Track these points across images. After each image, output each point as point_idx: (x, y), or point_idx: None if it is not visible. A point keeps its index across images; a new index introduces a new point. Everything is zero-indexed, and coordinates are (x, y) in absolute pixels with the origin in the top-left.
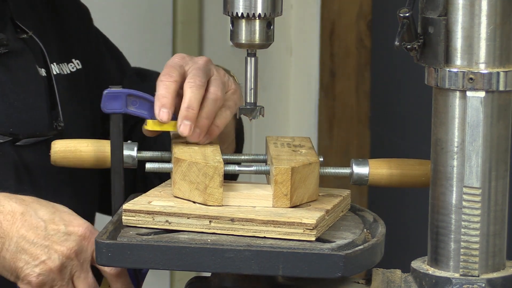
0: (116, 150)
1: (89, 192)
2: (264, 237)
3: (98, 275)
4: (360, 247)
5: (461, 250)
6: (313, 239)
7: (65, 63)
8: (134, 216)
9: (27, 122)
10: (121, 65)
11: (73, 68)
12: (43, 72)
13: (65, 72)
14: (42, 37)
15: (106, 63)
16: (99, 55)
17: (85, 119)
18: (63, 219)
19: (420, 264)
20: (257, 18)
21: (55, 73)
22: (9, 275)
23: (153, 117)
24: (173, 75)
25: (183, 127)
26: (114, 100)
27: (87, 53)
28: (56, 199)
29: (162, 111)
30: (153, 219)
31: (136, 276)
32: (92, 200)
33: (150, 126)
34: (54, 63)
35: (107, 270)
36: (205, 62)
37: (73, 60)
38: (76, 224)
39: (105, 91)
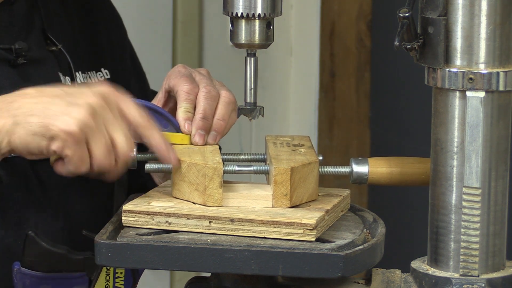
0: None
1: (103, 203)
2: (264, 237)
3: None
4: (360, 247)
5: (461, 250)
6: (313, 239)
7: (94, 72)
8: (134, 217)
9: None
10: (143, 85)
11: (101, 77)
12: (67, 81)
13: (92, 81)
14: (72, 46)
15: (131, 81)
16: (127, 71)
17: None
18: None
19: (420, 264)
20: (257, 18)
21: (79, 82)
22: (38, 141)
23: (162, 129)
24: (196, 89)
25: (198, 137)
26: None
27: (118, 65)
28: (69, 210)
29: (187, 123)
30: (153, 220)
31: (133, 274)
32: (106, 211)
33: None
34: (79, 72)
35: (136, 119)
36: (208, 73)
37: (102, 69)
38: (96, 85)
39: None
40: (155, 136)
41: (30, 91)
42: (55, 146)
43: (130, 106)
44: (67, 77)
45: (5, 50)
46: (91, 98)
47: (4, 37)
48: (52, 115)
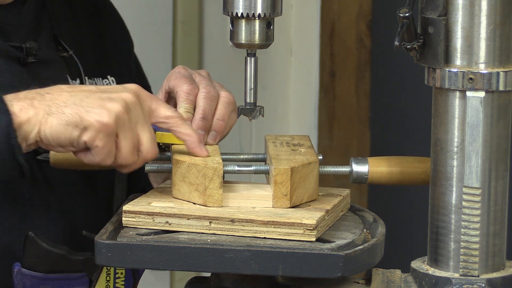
0: None
1: (103, 203)
2: (264, 238)
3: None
4: (360, 247)
5: (461, 250)
6: (313, 239)
7: (100, 78)
8: (134, 217)
9: None
10: None
11: (107, 84)
12: (76, 84)
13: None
14: (81, 52)
15: None
16: (133, 79)
17: None
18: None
19: (420, 264)
20: (257, 18)
21: None
22: (71, 131)
23: (162, 130)
24: (196, 90)
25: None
26: None
27: (124, 74)
28: (71, 210)
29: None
30: (153, 220)
31: (133, 274)
32: (107, 211)
33: (158, 138)
34: (86, 77)
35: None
36: (208, 75)
37: (108, 76)
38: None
39: None
40: (186, 132)
41: (64, 87)
42: (86, 136)
43: (160, 105)
44: (74, 81)
45: (15, 48)
46: (125, 94)
47: (15, 36)
48: (87, 106)
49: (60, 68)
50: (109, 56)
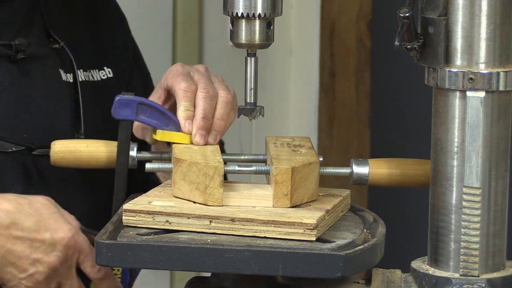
0: (122, 157)
1: (103, 202)
2: (265, 237)
3: (86, 278)
4: (360, 247)
5: (461, 250)
6: (314, 239)
7: (96, 70)
8: (135, 216)
9: (45, 129)
10: (146, 84)
11: (104, 75)
12: (70, 78)
13: (95, 79)
14: (75, 44)
15: (133, 79)
16: (130, 69)
17: (107, 131)
18: (48, 228)
19: (420, 264)
20: (257, 18)
21: (81, 79)
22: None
23: (162, 127)
24: (194, 87)
25: (199, 137)
26: (125, 107)
27: (121, 63)
28: (71, 208)
29: (188, 122)
30: (153, 219)
31: (130, 271)
32: (107, 211)
33: (159, 136)
34: (81, 70)
35: (92, 275)
36: (206, 70)
37: (105, 68)
38: (62, 232)
39: (117, 97)
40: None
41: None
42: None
43: (87, 260)
44: (68, 74)
45: (4, 46)
46: (52, 259)
47: (4, 34)
48: (9, 272)
49: (53, 63)
50: (105, 46)
